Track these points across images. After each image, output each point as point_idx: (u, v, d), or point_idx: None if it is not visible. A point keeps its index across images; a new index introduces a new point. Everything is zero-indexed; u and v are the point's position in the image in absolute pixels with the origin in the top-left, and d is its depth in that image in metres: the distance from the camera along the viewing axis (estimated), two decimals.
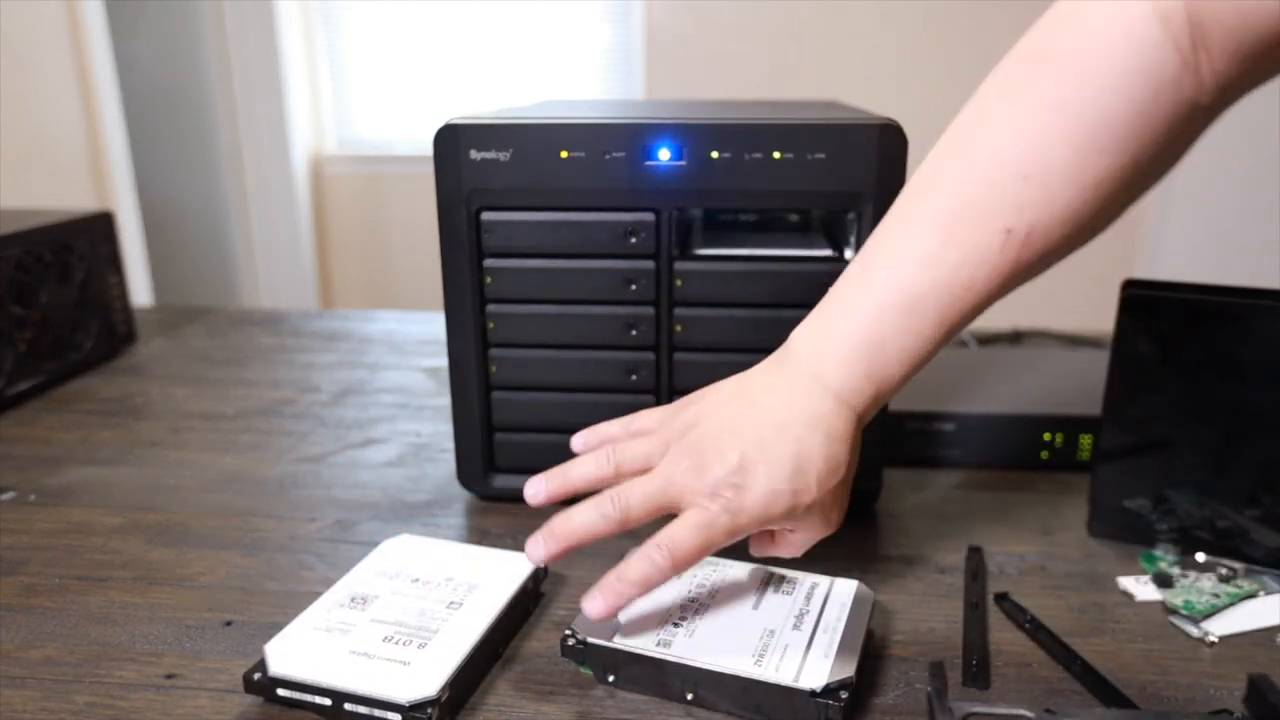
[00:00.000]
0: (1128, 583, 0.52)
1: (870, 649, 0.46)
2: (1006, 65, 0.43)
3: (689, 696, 0.42)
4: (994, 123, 0.42)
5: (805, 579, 0.48)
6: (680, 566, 0.42)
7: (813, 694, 0.40)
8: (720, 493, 0.42)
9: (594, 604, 0.42)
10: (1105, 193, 0.41)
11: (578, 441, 0.49)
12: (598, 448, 0.47)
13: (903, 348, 0.43)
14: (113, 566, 0.55)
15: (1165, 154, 0.42)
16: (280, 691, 0.41)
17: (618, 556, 0.56)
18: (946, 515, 0.60)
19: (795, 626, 0.44)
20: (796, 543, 0.47)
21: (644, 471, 0.44)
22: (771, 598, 0.47)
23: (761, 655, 0.42)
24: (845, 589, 0.47)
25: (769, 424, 0.43)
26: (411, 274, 3.31)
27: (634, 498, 0.43)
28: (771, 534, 0.47)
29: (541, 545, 0.44)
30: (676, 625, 0.44)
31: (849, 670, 0.41)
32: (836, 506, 0.45)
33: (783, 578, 0.48)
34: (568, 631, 0.44)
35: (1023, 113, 0.41)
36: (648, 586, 0.42)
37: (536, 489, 0.46)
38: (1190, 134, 0.42)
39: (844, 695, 0.40)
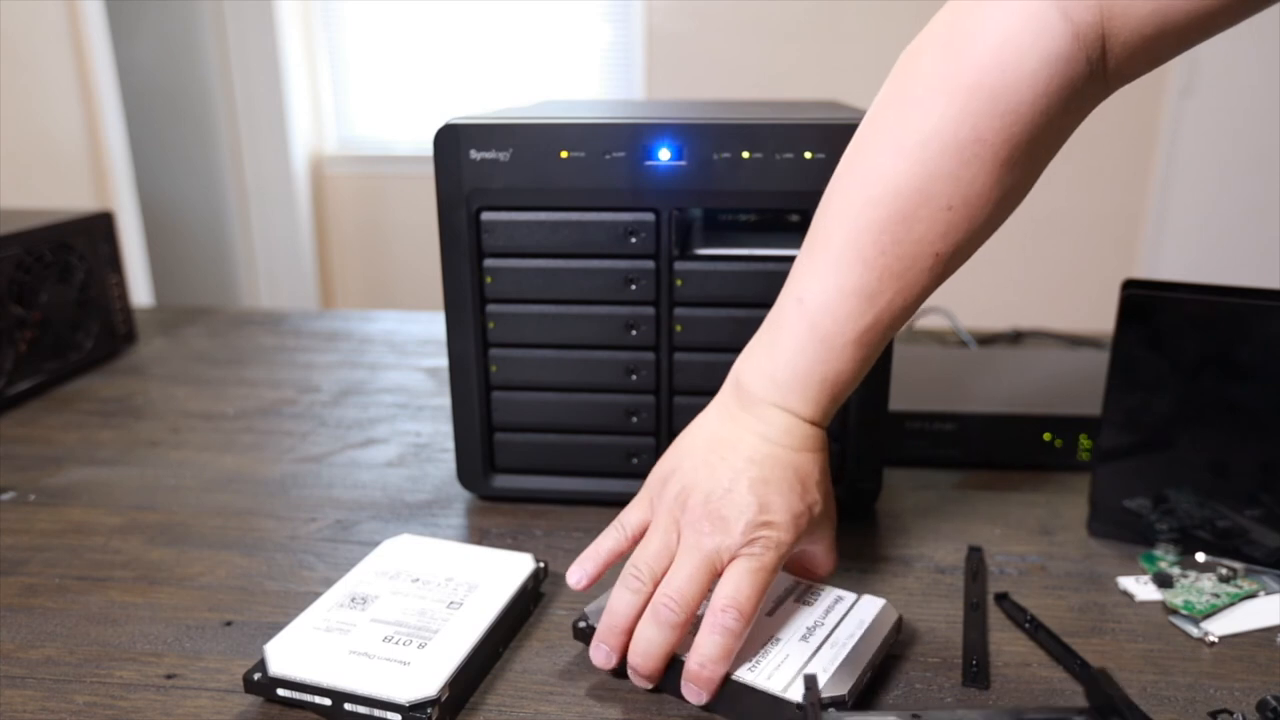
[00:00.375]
0: (1128, 583, 0.52)
1: (884, 668, 0.45)
2: (918, 90, 0.42)
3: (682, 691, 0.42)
4: (911, 157, 0.42)
5: (832, 593, 0.47)
6: (750, 618, 0.41)
7: (798, 706, 0.39)
8: (755, 535, 0.43)
9: (695, 695, 0.41)
10: (1016, 197, 0.44)
11: (576, 575, 0.46)
12: (598, 572, 0.46)
13: (856, 372, 0.46)
14: (113, 566, 0.55)
15: (1063, 144, 0.44)
16: (280, 691, 0.41)
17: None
18: (946, 515, 0.60)
19: (803, 638, 0.43)
20: (821, 556, 0.49)
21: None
22: (790, 607, 0.46)
23: (759, 661, 0.42)
24: (869, 607, 0.46)
25: (762, 459, 0.45)
26: (411, 274, 3.31)
27: (685, 590, 0.42)
28: (799, 564, 0.49)
29: (641, 680, 0.43)
30: None
31: (842, 688, 0.40)
32: (832, 503, 0.49)
33: (809, 587, 0.48)
34: (580, 616, 0.45)
35: (945, 147, 0.41)
36: (732, 655, 0.41)
37: (607, 659, 0.44)
38: (1083, 118, 0.44)
39: (831, 711, 0.39)
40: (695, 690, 0.41)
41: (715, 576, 0.43)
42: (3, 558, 0.56)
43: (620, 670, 0.44)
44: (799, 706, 0.39)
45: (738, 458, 0.45)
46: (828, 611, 0.46)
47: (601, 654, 0.44)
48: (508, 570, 0.49)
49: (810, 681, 0.39)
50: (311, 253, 3.30)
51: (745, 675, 0.41)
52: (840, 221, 0.44)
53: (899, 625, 0.46)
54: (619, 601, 0.43)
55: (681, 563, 0.43)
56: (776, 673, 0.41)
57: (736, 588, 0.41)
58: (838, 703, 0.39)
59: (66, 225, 0.87)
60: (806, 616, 0.45)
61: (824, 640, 0.43)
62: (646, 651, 0.42)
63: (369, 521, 0.60)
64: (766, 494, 0.43)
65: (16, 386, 0.80)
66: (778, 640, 0.43)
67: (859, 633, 0.44)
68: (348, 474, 0.67)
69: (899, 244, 0.43)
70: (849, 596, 0.47)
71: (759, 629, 0.44)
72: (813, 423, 0.46)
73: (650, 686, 0.43)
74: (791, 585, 0.48)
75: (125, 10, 2.85)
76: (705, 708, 0.42)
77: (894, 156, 0.43)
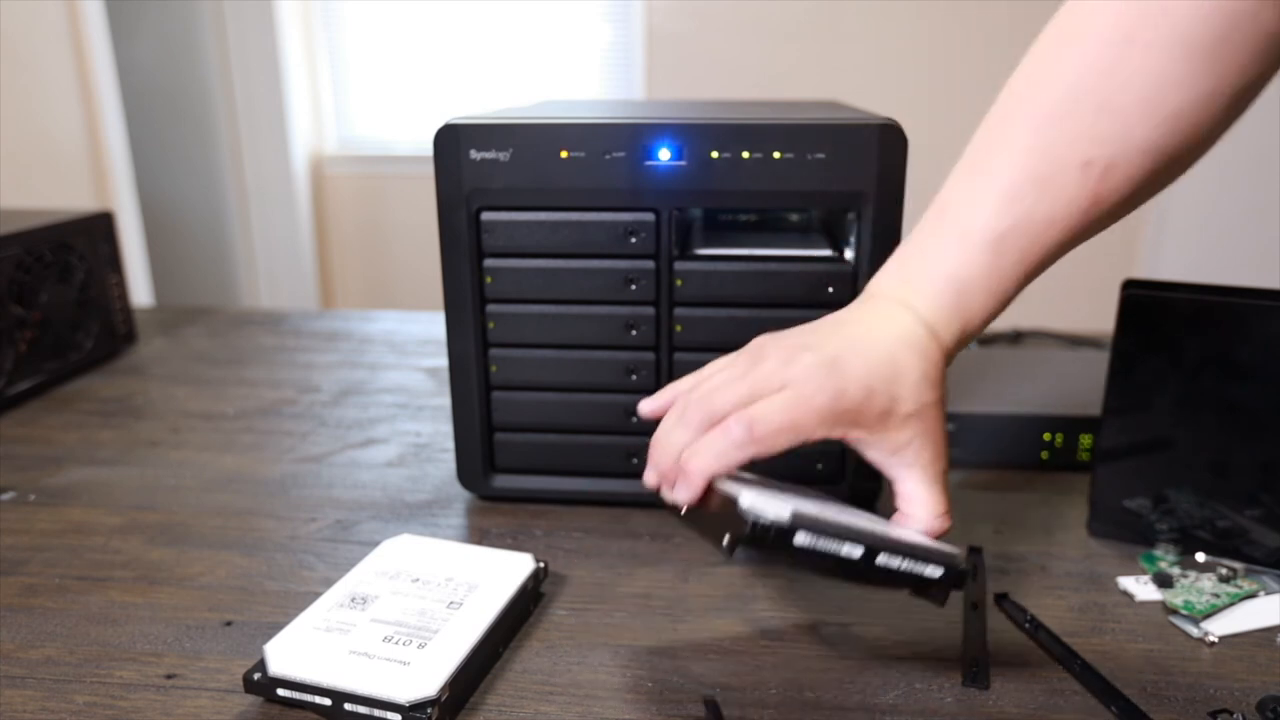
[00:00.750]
0: (1128, 583, 0.52)
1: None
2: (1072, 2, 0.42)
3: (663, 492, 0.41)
4: (1066, 57, 0.41)
5: (929, 544, 0.40)
6: (761, 444, 0.38)
7: (744, 513, 0.35)
8: (815, 376, 0.39)
9: (680, 494, 0.39)
10: (1184, 126, 0.40)
11: (647, 403, 0.45)
12: (668, 406, 0.44)
13: (988, 288, 0.42)
14: (113, 566, 0.55)
15: (1243, 87, 0.41)
16: (280, 691, 0.41)
17: (621, 555, 0.56)
18: None
19: (816, 503, 0.40)
20: (916, 497, 0.42)
21: None
22: (851, 511, 0.42)
23: (756, 491, 0.38)
24: (940, 552, 0.39)
25: (861, 335, 0.42)
26: (411, 274, 3.31)
27: (717, 395, 0.40)
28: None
29: (654, 477, 0.42)
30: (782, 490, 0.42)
31: (786, 514, 0.35)
32: (940, 437, 0.43)
33: (897, 524, 0.42)
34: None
35: (1095, 47, 0.40)
36: (721, 464, 0.38)
37: (646, 476, 0.43)
38: (1269, 66, 0.41)
39: (769, 528, 0.35)
40: (681, 485, 0.40)
41: (755, 400, 0.40)
42: (3, 558, 0.56)
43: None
44: (743, 514, 0.36)
45: (839, 330, 0.42)
46: (877, 522, 0.40)
47: (648, 472, 0.43)
48: (508, 570, 0.49)
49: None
50: (311, 253, 3.29)
51: (727, 485, 0.38)
52: (995, 126, 0.43)
53: (953, 573, 0.38)
54: (664, 421, 0.42)
55: (729, 375, 0.41)
56: (759, 500, 0.36)
57: (765, 406, 0.39)
58: (778, 526, 0.35)
59: (66, 225, 0.87)
60: (846, 514, 0.40)
61: (854, 516, 0.38)
62: (664, 446, 0.41)
63: (369, 521, 0.60)
64: (849, 356, 0.40)
65: (16, 386, 0.80)
66: (793, 496, 0.40)
67: (872, 523, 0.38)
68: (348, 474, 0.67)
69: (1050, 145, 0.41)
70: (932, 543, 0.40)
71: (792, 488, 0.41)
72: (930, 328, 0.42)
73: (669, 491, 0.41)
74: (880, 518, 0.43)
75: (125, 10, 2.85)
76: (682, 517, 0.41)
77: (1053, 55, 0.42)
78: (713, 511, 0.38)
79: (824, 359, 0.40)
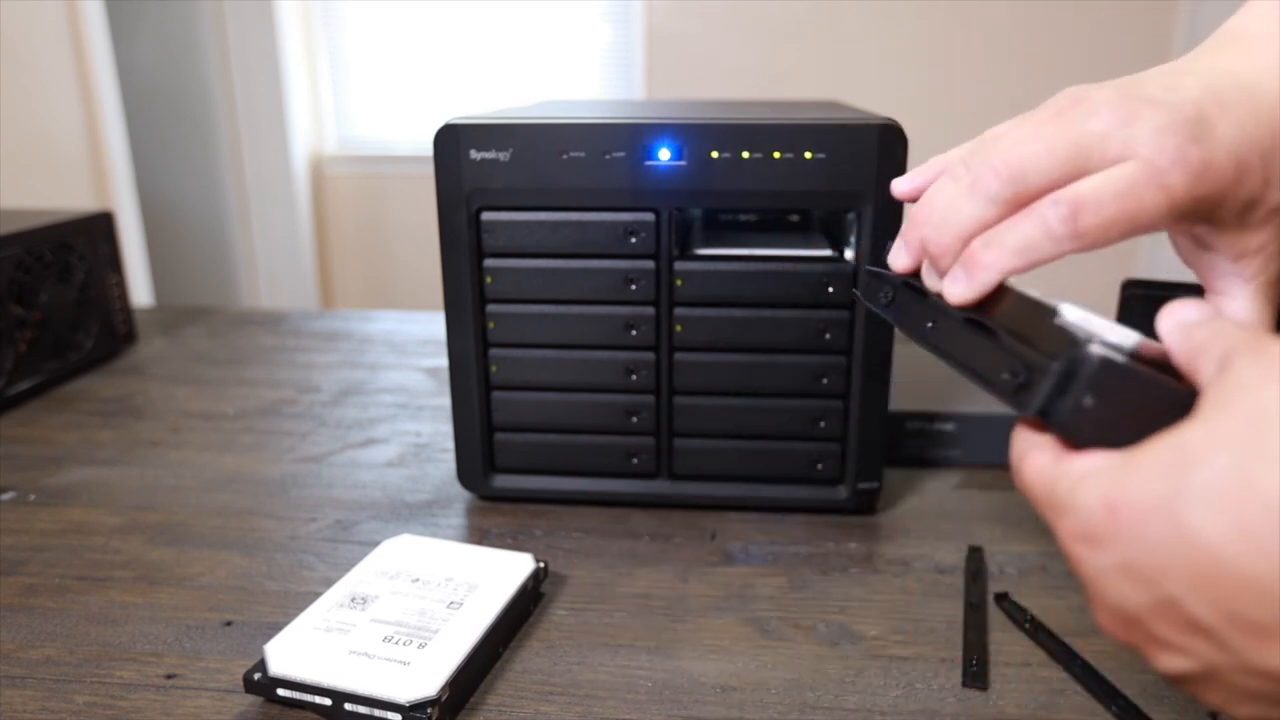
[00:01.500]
0: None
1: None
2: None
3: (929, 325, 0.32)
4: None
5: None
6: (1085, 239, 0.28)
7: (1072, 328, 0.27)
8: (1171, 142, 0.28)
9: (954, 283, 0.30)
10: None
11: (904, 184, 0.35)
12: (926, 182, 0.34)
13: None
14: (113, 566, 0.55)
15: None
16: (280, 691, 0.41)
17: (620, 555, 0.56)
18: (946, 515, 0.60)
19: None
20: (1251, 307, 0.33)
21: None
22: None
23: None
24: None
25: (1231, 86, 0.30)
26: (411, 274, 3.31)
27: (1022, 155, 0.29)
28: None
29: (912, 252, 0.32)
30: None
31: (1128, 342, 0.26)
32: None
33: None
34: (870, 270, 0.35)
35: None
36: (1026, 260, 0.29)
37: (895, 254, 0.33)
38: None
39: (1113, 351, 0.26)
40: (960, 277, 0.30)
41: (1078, 171, 0.29)
42: (3, 558, 0.56)
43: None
44: (1071, 331, 0.26)
45: (1190, 76, 0.30)
46: None
47: (897, 250, 0.33)
48: (508, 570, 0.49)
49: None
50: (311, 253, 3.30)
51: (1023, 287, 0.29)
52: None
53: None
54: (938, 189, 0.31)
55: (1038, 134, 0.30)
56: (1086, 315, 0.27)
57: (1098, 186, 0.28)
58: (1124, 350, 0.26)
59: (66, 225, 0.87)
60: None
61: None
62: (941, 220, 0.30)
63: (369, 521, 0.60)
64: (1215, 116, 0.29)
65: (16, 386, 0.80)
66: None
67: None
68: (348, 474, 0.67)
69: None
70: None
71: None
72: None
73: (936, 279, 0.31)
74: None
75: (125, 10, 2.86)
76: (949, 315, 0.30)
77: None
78: (994, 315, 0.29)
79: (1182, 117, 0.28)
